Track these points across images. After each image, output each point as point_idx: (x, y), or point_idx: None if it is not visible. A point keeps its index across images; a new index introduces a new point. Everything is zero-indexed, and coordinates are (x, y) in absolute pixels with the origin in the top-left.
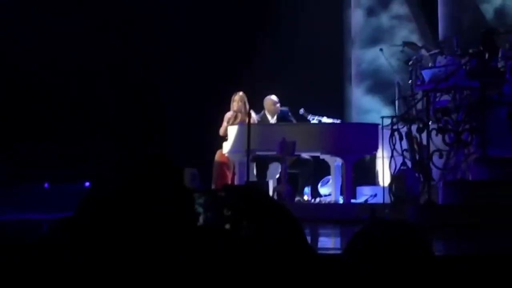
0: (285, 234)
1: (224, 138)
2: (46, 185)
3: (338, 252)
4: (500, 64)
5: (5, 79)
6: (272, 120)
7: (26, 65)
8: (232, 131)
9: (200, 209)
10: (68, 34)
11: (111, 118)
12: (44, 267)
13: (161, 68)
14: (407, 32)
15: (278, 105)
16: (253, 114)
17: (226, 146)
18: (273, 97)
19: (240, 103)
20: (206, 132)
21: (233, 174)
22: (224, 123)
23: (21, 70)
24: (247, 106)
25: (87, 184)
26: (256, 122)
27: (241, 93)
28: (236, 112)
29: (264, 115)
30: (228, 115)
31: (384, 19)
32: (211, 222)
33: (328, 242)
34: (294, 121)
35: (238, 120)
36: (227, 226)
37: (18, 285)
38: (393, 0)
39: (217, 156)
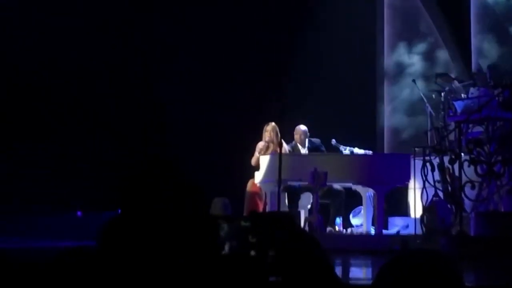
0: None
1: (256, 168)
2: (79, 213)
3: (369, 282)
4: None
5: (4, 81)
6: (303, 150)
7: (24, 67)
8: (264, 161)
9: (226, 237)
10: (67, 34)
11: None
12: None
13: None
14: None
15: (308, 134)
16: (284, 144)
17: (258, 176)
18: (303, 127)
19: (272, 133)
20: (237, 162)
21: (265, 204)
22: (256, 153)
23: (18, 73)
24: (279, 136)
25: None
26: (287, 152)
27: (273, 123)
28: (268, 142)
29: (296, 145)
30: (260, 145)
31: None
32: (236, 250)
33: (359, 273)
34: (326, 152)
35: (270, 150)
36: (252, 253)
37: None
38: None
39: (248, 186)
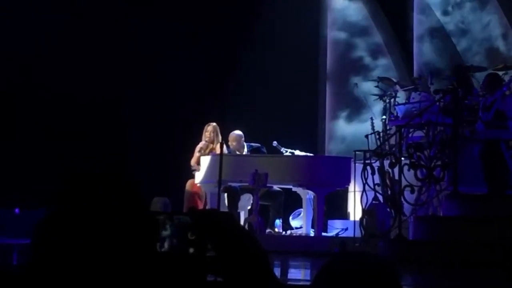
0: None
1: (195, 168)
2: (16, 210)
3: (308, 283)
4: (474, 102)
5: None
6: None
7: None
8: (204, 161)
9: (166, 234)
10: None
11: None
12: None
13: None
14: (382, 68)
15: (243, 139)
16: (224, 146)
17: (199, 176)
18: (237, 132)
19: (212, 134)
20: (177, 162)
21: (205, 204)
22: (196, 153)
23: None
24: (220, 137)
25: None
26: (227, 151)
27: (214, 123)
28: (208, 142)
29: (232, 151)
30: (200, 145)
31: (360, 54)
32: (176, 247)
33: (298, 274)
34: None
35: (209, 150)
36: (191, 250)
37: None
38: (370, 35)
39: (188, 186)
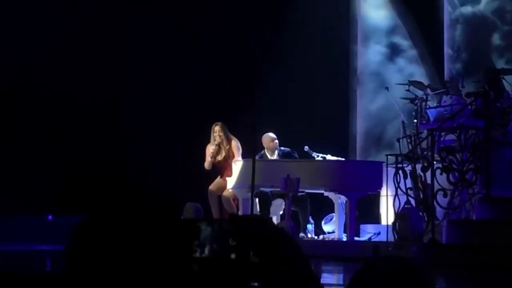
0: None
1: (212, 171)
2: (50, 217)
3: None
4: (505, 105)
5: None
6: (273, 158)
7: None
8: (236, 167)
9: (206, 240)
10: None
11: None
12: None
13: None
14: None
15: (276, 141)
16: (234, 142)
17: (231, 182)
18: (271, 134)
19: (221, 134)
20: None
21: (237, 209)
22: (208, 158)
23: None
24: (228, 134)
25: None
26: (239, 149)
27: (220, 123)
28: (218, 144)
29: (264, 154)
30: (210, 149)
31: (392, 58)
32: (217, 253)
33: (331, 279)
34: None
35: (221, 151)
36: (233, 256)
37: None
38: (399, 40)
39: (216, 188)
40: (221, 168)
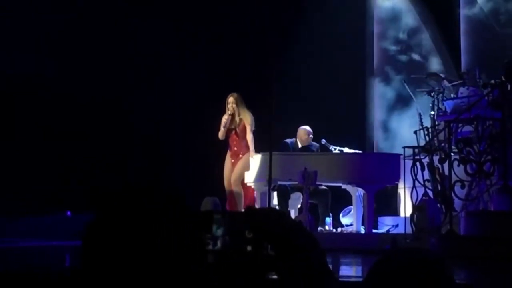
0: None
1: (222, 142)
2: (68, 213)
3: (359, 280)
4: None
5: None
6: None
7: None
8: (254, 161)
9: (220, 232)
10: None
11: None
12: None
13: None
14: (430, 63)
15: (311, 136)
16: (248, 115)
17: (248, 176)
18: (307, 128)
19: (234, 105)
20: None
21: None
22: (222, 128)
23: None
24: (244, 107)
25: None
26: (252, 123)
27: (235, 94)
28: (230, 115)
29: (296, 143)
30: (224, 118)
31: (407, 50)
32: (232, 245)
33: (350, 271)
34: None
35: (234, 121)
36: (249, 248)
37: None
38: (417, 32)
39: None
40: (232, 141)
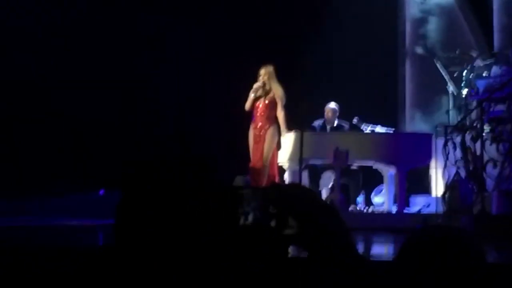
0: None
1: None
2: (101, 191)
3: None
4: None
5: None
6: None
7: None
8: (286, 140)
9: (249, 208)
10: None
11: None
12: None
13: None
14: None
15: (337, 114)
16: (279, 90)
17: (280, 155)
18: (331, 106)
19: (265, 76)
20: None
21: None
22: (251, 95)
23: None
24: (275, 80)
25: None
26: (283, 98)
27: (267, 66)
28: (261, 84)
29: (324, 124)
30: (255, 86)
31: (438, 29)
32: (260, 220)
33: (381, 250)
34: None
35: (264, 90)
36: (273, 224)
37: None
38: (449, 12)
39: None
40: (256, 112)
